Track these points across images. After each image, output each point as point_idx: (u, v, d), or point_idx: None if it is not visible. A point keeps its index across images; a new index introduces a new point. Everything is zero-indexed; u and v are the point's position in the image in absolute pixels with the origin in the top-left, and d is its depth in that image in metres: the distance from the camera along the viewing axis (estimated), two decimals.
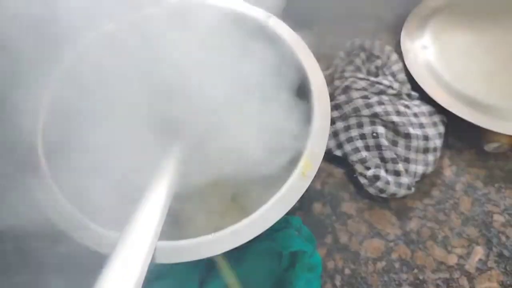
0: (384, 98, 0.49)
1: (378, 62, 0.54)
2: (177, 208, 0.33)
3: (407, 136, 0.47)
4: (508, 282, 0.41)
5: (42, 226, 0.29)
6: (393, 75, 0.53)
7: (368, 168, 0.46)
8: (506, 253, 0.43)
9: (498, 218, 0.45)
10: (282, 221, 0.35)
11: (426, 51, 0.55)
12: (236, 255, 0.36)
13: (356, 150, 0.47)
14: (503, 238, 0.44)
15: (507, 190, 0.47)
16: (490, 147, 0.48)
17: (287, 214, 0.30)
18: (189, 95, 0.38)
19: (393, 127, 0.47)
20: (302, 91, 0.38)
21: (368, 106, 0.48)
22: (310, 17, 0.41)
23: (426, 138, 0.47)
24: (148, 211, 0.28)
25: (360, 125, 0.48)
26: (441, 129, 0.49)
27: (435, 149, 0.47)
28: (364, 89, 0.50)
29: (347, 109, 0.48)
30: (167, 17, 0.41)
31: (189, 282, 0.34)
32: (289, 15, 0.42)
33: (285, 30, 0.41)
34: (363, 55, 0.54)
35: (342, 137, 0.48)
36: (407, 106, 0.50)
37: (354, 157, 0.47)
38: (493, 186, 0.48)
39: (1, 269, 0.33)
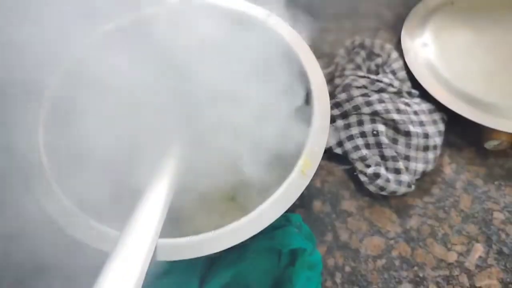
0: (385, 96, 0.49)
1: (379, 60, 0.54)
2: (178, 207, 0.33)
3: (407, 134, 0.47)
4: (508, 279, 0.41)
5: (43, 224, 0.30)
6: (394, 73, 0.53)
7: (368, 166, 0.46)
8: (506, 250, 0.43)
9: (498, 216, 0.45)
10: (282, 219, 0.36)
11: (426, 49, 0.55)
12: (236, 253, 0.36)
13: (357, 148, 0.47)
14: (503, 236, 0.44)
15: (507, 188, 0.47)
16: (490, 145, 0.48)
17: (287, 212, 0.30)
18: (189, 94, 0.38)
19: (393, 125, 0.47)
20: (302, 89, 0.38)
21: (369, 104, 0.48)
22: (311, 15, 0.41)
23: (426, 136, 0.47)
24: (148, 209, 0.29)
25: (360, 123, 0.48)
26: (441, 127, 0.49)
27: (435, 147, 0.47)
28: (365, 87, 0.50)
29: (348, 107, 0.48)
30: (167, 16, 0.41)
31: (189, 280, 0.34)
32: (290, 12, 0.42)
33: (285, 28, 0.41)
34: (363, 53, 0.54)
35: (343, 135, 0.48)
36: (407, 104, 0.50)
37: (354, 155, 0.47)
38: (493, 183, 0.48)
39: (4, 267, 0.33)
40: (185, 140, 0.38)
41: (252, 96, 0.38)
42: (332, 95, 0.51)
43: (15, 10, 0.32)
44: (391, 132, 0.48)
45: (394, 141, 0.47)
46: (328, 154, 0.49)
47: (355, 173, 0.47)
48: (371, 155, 0.46)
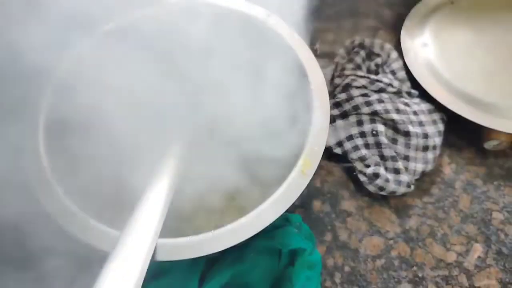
0: (384, 96, 0.49)
1: (378, 60, 0.54)
2: (178, 206, 0.33)
3: (407, 134, 0.47)
4: (507, 279, 0.41)
5: (43, 223, 0.30)
6: (393, 73, 0.53)
7: (367, 166, 0.46)
8: (505, 250, 0.43)
9: (497, 216, 0.45)
10: (281, 219, 0.36)
11: (426, 49, 0.55)
12: (235, 253, 0.36)
13: (356, 148, 0.47)
14: (502, 236, 0.44)
15: (506, 188, 0.47)
16: (489, 145, 0.49)
17: (287, 211, 0.30)
18: (189, 94, 0.38)
19: (392, 125, 0.47)
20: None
21: (368, 104, 0.48)
22: (311, 15, 0.41)
23: (425, 136, 0.47)
24: (148, 209, 0.29)
25: (360, 123, 0.48)
26: (441, 127, 0.49)
27: (434, 147, 0.47)
28: (364, 87, 0.50)
29: (347, 107, 0.48)
30: (167, 16, 0.41)
31: (189, 279, 0.34)
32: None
33: (285, 28, 0.41)
34: (363, 53, 0.54)
35: (342, 135, 0.48)
36: (407, 104, 0.50)
37: (353, 155, 0.47)
38: (492, 184, 0.48)
39: (3, 266, 0.33)
40: (185, 140, 0.38)
41: (252, 96, 0.38)
42: (332, 95, 0.51)
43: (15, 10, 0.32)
44: (390, 132, 0.48)
45: (394, 141, 0.47)
46: (328, 154, 0.49)
47: (354, 173, 0.47)
48: (371, 155, 0.46)
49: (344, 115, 0.49)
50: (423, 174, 0.47)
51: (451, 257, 0.43)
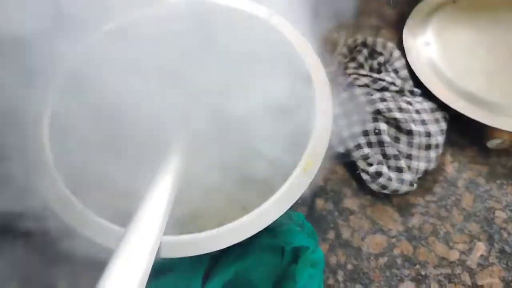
0: (387, 94, 0.49)
1: (381, 59, 0.54)
2: (181, 204, 0.33)
3: (409, 132, 0.47)
4: (510, 278, 0.41)
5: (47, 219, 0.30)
6: (396, 71, 0.53)
7: (370, 165, 0.46)
8: (507, 249, 0.43)
9: (500, 214, 0.45)
10: (284, 217, 0.36)
11: (428, 48, 0.55)
12: (239, 250, 0.36)
13: (359, 146, 0.47)
14: (505, 234, 0.44)
15: (509, 187, 0.47)
16: (492, 143, 0.49)
17: (290, 209, 0.30)
18: (191, 93, 0.39)
19: (395, 124, 0.48)
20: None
21: (371, 102, 0.48)
22: (313, 14, 0.41)
23: (428, 134, 0.47)
24: (152, 207, 0.29)
25: (362, 122, 0.48)
26: (443, 125, 0.49)
27: (437, 146, 0.47)
28: (367, 85, 0.50)
29: (350, 105, 0.48)
30: (168, 16, 0.41)
31: (193, 276, 0.34)
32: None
33: (287, 27, 0.41)
34: (365, 52, 0.55)
35: (345, 133, 0.49)
36: (409, 103, 0.50)
37: (356, 154, 0.47)
38: (495, 182, 0.48)
39: (10, 262, 0.33)
40: (187, 139, 0.38)
41: (253, 96, 0.38)
42: (334, 93, 0.51)
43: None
44: (393, 131, 0.48)
45: (396, 140, 0.47)
46: (330, 152, 0.49)
47: (357, 172, 0.47)
48: (373, 153, 0.46)
49: (346, 114, 0.49)
50: (426, 172, 0.47)
51: (454, 255, 0.43)
